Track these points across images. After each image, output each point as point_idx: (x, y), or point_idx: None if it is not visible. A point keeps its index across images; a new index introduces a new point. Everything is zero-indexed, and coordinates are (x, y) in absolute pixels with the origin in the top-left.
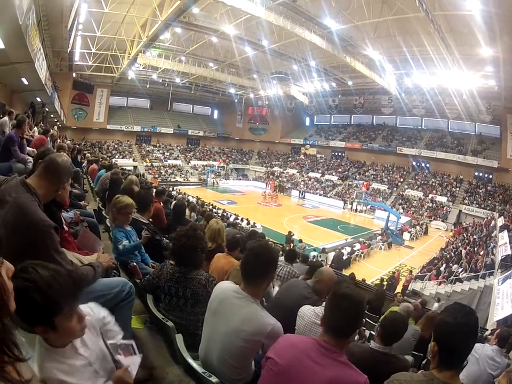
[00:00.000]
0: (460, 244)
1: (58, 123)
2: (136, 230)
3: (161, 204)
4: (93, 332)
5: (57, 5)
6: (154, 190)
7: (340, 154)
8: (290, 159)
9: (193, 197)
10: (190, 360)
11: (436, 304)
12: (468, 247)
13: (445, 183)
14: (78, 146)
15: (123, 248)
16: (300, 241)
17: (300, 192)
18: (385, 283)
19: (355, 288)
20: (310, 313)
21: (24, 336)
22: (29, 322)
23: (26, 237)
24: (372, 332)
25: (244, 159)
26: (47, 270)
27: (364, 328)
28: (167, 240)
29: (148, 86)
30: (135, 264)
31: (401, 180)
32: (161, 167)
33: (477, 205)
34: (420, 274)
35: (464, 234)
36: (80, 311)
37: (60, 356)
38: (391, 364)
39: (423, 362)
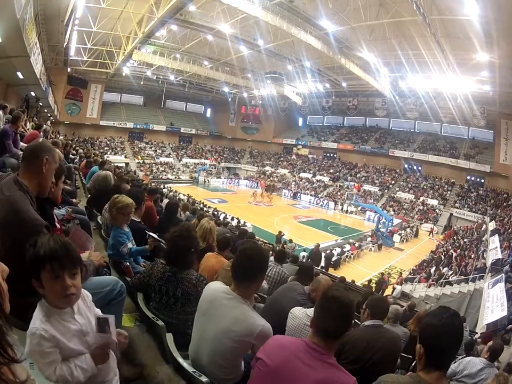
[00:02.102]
0: (450, 247)
1: (51, 118)
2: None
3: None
4: (87, 304)
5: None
6: (146, 188)
7: (331, 155)
8: (282, 159)
9: (184, 195)
10: (180, 360)
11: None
12: (458, 250)
13: (437, 186)
14: (70, 142)
15: (128, 252)
16: (290, 241)
17: (293, 194)
18: (373, 285)
19: (344, 291)
20: (302, 315)
21: (18, 336)
22: (29, 274)
23: (17, 235)
24: None
25: (236, 158)
26: (52, 236)
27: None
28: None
29: (142, 83)
30: (128, 264)
31: (393, 182)
32: (153, 165)
33: (468, 209)
34: (409, 276)
35: (455, 237)
36: (67, 283)
37: (58, 315)
38: (386, 333)
39: (413, 364)
